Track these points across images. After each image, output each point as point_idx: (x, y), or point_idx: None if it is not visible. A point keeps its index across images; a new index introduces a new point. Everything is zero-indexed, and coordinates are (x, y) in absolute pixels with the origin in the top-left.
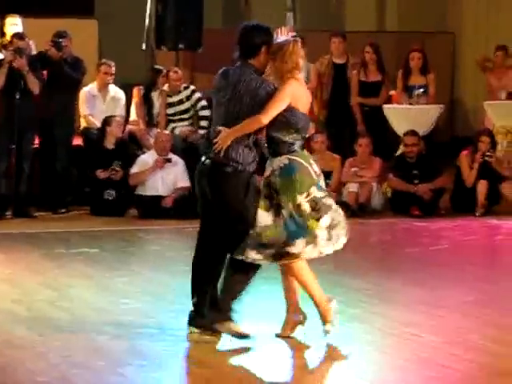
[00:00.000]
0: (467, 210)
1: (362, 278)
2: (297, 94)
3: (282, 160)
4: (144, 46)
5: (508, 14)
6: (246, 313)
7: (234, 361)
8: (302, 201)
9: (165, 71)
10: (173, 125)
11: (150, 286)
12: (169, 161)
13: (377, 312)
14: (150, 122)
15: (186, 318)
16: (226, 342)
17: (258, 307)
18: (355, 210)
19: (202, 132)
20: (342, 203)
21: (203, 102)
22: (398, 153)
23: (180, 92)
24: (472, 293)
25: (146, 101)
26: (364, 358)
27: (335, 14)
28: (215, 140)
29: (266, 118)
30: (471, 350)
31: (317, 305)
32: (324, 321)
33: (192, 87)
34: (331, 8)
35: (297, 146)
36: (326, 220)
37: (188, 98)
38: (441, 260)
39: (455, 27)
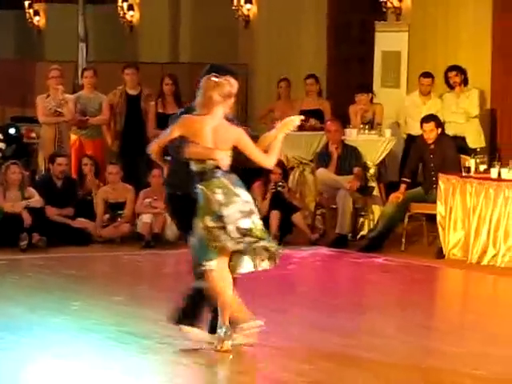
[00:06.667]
0: None
1: (156, 308)
2: (188, 129)
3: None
4: None
5: (299, 44)
6: None
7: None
8: (200, 226)
9: None
10: None
11: None
12: None
13: (167, 343)
14: None
15: None
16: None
17: None
18: (149, 241)
19: None
20: (136, 234)
21: None
22: None
23: None
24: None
25: None
26: None
27: (128, 46)
28: None
29: (149, 147)
30: (260, 378)
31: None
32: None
33: None
34: (124, 40)
35: (211, 174)
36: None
37: None
38: (235, 290)
39: (247, 59)
